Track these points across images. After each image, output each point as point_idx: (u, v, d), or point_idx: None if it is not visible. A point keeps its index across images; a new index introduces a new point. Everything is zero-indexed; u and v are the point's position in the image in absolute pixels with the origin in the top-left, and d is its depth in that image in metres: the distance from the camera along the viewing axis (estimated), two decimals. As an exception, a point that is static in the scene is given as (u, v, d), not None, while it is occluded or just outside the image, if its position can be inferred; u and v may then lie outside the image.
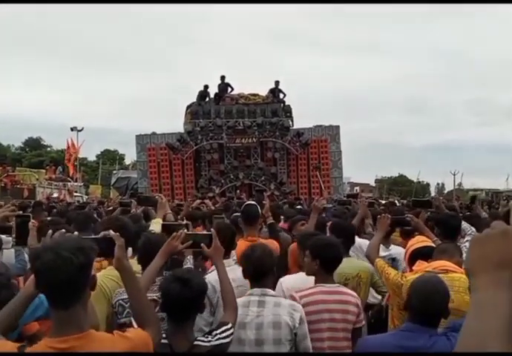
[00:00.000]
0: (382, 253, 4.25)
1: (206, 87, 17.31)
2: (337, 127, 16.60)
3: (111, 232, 2.07)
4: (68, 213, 6.42)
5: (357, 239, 4.33)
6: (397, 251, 4.39)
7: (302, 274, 3.18)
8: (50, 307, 1.65)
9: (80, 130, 27.52)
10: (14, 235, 3.43)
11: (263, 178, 15.64)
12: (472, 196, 13.33)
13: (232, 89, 17.33)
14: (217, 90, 17.30)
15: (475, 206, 6.62)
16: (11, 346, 1.64)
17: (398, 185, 58.67)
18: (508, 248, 0.72)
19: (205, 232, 2.61)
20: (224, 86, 17.28)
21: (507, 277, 0.70)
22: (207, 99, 17.27)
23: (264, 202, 5.35)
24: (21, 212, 4.27)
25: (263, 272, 2.68)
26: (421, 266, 3.35)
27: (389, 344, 2.15)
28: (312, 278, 3.03)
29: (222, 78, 17.26)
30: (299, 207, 8.09)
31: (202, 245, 2.47)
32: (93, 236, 2.37)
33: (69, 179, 23.87)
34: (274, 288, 2.79)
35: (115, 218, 3.68)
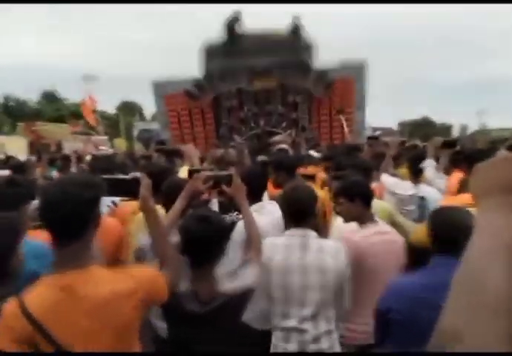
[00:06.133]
0: (410, 191, 4.27)
1: (238, 13, 15.09)
2: (363, 65, 14.92)
3: (138, 173, 2.11)
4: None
5: (388, 178, 4.41)
6: (426, 189, 4.25)
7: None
8: (52, 243, 1.61)
9: (95, 80, 27.35)
10: None
11: (284, 125, 15.38)
12: None
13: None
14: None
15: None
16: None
17: (421, 128, 57.49)
18: (510, 173, 0.72)
19: (226, 172, 2.56)
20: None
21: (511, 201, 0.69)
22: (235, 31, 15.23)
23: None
24: None
25: (304, 212, 2.55)
26: (447, 201, 3.40)
27: (418, 284, 2.03)
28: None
29: (237, 14, 15.17)
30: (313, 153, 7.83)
31: (223, 185, 2.43)
32: (121, 177, 2.38)
33: (93, 132, 24.07)
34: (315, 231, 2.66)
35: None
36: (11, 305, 1.55)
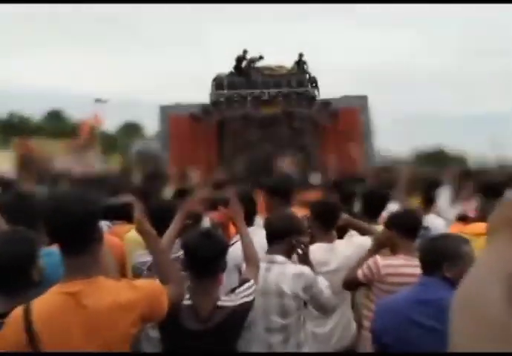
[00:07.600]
0: None
1: (245, 52, 16.42)
2: (365, 97, 15.76)
3: (130, 198, 2.17)
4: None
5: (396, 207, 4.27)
6: (433, 220, 4.12)
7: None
8: (61, 254, 1.71)
9: (104, 102, 27.41)
10: None
11: (289, 149, 15.20)
12: None
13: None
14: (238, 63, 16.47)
15: None
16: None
17: (434, 158, 57.90)
18: None
19: (223, 194, 2.75)
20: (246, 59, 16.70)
21: None
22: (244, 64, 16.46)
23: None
24: None
25: (274, 237, 2.63)
26: (454, 229, 3.35)
27: (404, 302, 2.08)
28: None
29: (245, 52, 16.65)
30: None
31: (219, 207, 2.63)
32: (112, 202, 2.53)
33: (88, 149, 23.86)
34: (289, 255, 2.66)
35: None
36: (17, 311, 1.64)
